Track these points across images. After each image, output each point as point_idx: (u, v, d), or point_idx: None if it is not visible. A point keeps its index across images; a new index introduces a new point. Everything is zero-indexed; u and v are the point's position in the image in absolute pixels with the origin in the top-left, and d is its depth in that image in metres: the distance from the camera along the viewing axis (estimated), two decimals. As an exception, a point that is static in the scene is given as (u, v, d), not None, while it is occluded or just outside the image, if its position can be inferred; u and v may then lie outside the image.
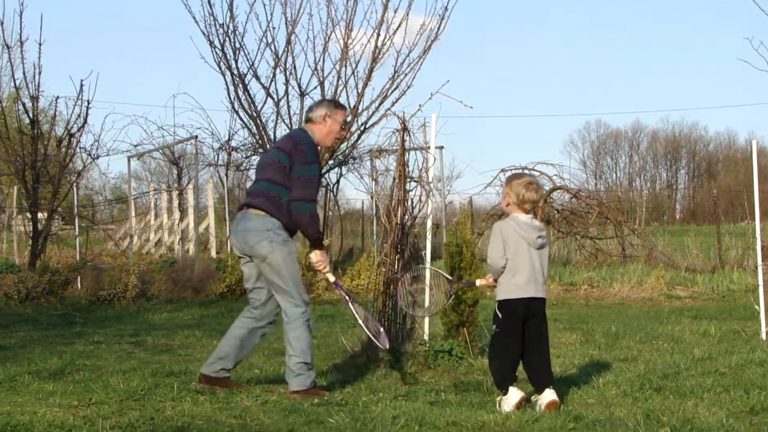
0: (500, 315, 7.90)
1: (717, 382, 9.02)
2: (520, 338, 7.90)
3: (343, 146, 20.84)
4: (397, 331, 10.05)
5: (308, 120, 8.85)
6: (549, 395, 7.78)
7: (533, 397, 7.87)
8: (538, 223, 8.09)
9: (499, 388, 7.87)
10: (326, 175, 21.91)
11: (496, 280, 8.01)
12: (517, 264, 7.88)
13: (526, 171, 22.94)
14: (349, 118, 8.85)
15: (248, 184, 31.46)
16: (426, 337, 10.58)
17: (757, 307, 12.93)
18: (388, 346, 8.92)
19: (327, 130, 8.75)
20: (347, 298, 8.75)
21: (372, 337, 8.72)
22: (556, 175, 23.70)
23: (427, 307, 9.61)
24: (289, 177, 8.43)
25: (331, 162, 20.80)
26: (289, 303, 8.47)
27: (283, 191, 8.44)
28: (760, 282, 13.02)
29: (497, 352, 7.95)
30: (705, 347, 11.60)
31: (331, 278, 8.85)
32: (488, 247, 7.98)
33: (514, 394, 7.74)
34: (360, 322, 8.69)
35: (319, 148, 8.79)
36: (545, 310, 8.07)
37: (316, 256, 8.63)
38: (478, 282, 8.64)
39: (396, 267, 10.02)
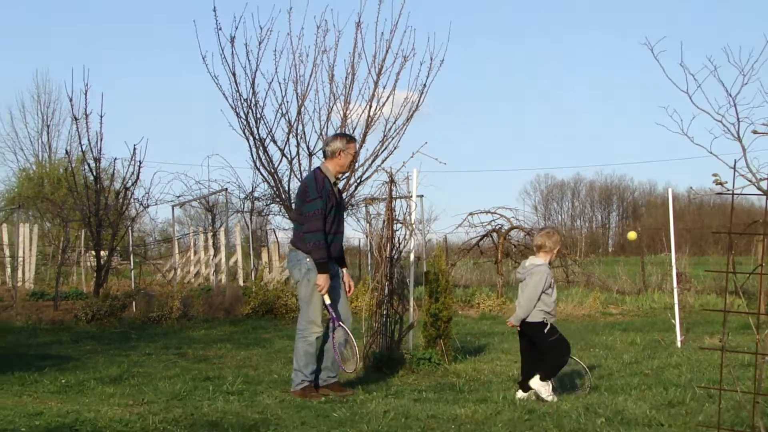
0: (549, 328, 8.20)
1: (642, 381, 9.04)
2: None
3: (344, 195, 20.78)
4: (388, 342, 10.06)
5: (325, 154, 8.62)
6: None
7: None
8: (527, 262, 8.29)
9: (552, 378, 8.08)
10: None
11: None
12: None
13: (490, 213, 23.00)
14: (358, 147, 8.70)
15: (268, 227, 31.51)
16: (410, 347, 10.58)
17: (673, 321, 12.98)
18: (349, 371, 8.56)
19: (342, 162, 8.55)
20: (334, 318, 8.43)
21: (339, 360, 8.47)
22: (513, 217, 23.61)
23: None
24: (303, 215, 8.46)
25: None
26: (300, 317, 8.53)
27: (301, 227, 8.47)
28: (676, 301, 13.14)
29: (565, 349, 8.22)
30: (632, 353, 11.61)
31: (327, 300, 8.38)
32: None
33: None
34: (335, 342, 8.43)
35: (332, 179, 8.51)
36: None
37: (317, 278, 8.31)
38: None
39: (386, 292, 10.05)
